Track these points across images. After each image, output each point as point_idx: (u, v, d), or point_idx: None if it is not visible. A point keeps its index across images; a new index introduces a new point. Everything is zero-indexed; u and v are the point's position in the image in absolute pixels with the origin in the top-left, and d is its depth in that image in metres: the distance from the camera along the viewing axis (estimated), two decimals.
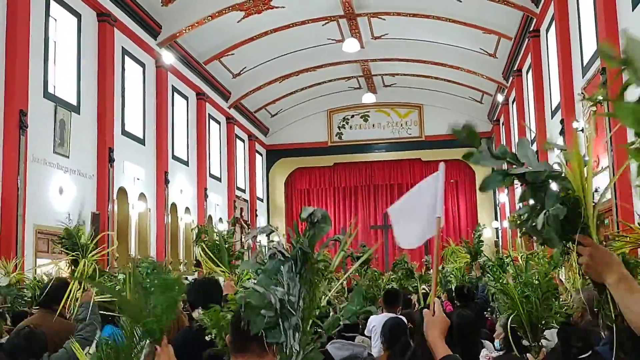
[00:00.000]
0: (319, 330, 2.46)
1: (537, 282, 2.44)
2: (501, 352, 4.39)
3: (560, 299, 6.15)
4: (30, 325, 4.85)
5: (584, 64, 13.56)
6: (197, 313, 3.72)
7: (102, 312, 5.06)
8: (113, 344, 2.83)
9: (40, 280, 7.65)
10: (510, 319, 2.47)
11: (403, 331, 5.39)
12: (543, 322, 2.56)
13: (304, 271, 2.39)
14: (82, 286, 4.79)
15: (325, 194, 30.72)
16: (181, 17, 18.08)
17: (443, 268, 13.10)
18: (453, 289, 11.86)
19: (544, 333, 2.60)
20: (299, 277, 2.40)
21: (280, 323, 2.36)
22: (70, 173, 13.66)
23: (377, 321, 6.68)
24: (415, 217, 3.19)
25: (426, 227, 3.18)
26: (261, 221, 28.42)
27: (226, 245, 5.38)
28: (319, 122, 29.70)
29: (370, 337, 6.80)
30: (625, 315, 2.02)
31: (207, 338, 3.54)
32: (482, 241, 12.52)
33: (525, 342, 2.51)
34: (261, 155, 29.78)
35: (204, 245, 5.38)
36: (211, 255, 5.25)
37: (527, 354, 2.78)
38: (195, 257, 18.18)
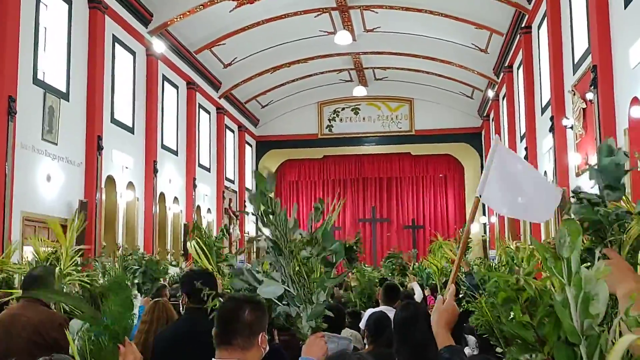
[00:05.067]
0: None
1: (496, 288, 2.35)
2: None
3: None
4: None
5: (575, 61, 13.61)
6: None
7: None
8: (96, 341, 2.82)
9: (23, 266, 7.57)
10: (477, 325, 2.40)
11: (388, 324, 5.39)
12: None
13: (284, 248, 2.57)
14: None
15: (314, 186, 30.73)
16: (173, 6, 17.99)
17: (425, 268, 13.11)
18: (437, 284, 11.90)
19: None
20: (282, 257, 2.57)
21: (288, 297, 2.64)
22: (58, 160, 13.58)
23: None
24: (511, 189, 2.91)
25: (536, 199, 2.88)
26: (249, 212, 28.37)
27: (215, 248, 5.42)
28: (309, 114, 29.68)
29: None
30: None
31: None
32: (471, 239, 12.63)
33: (498, 349, 2.48)
34: (251, 146, 29.73)
35: (198, 240, 5.41)
36: (205, 250, 5.28)
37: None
38: (185, 248, 18.16)
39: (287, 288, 2.58)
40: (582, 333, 1.48)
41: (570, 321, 1.48)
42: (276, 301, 2.58)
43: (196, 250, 5.31)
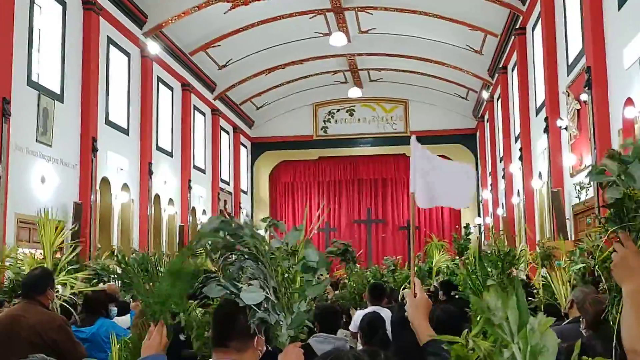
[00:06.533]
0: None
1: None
2: None
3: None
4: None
5: (569, 62, 13.65)
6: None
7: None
8: (130, 343, 2.92)
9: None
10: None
11: (381, 325, 5.40)
12: None
13: (263, 259, 2.58)
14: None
15: (309, 188, 30.72)
16: (167, 7, 17.97)
17: (422, 265, 13.06)
18: (436, 284, 11.88)
19: None
20: (262, 266, 2.59)
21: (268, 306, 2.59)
22: (52, 162, 13.55)
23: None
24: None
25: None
26: (245, 214, 28.37)
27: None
28: (304, 115, 29.67)
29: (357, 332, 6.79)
30: (621, 328, 1.92)
31: (182, 338, 3.55)
32: (469, 239, 12.69)
33: None
34: (246, 147, 29.71)
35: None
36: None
37: None
38: (181, 249, 18.12)
39: (267, 295, 2.58)
40: None
41: None
42: (255, 308, 2.57)
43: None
